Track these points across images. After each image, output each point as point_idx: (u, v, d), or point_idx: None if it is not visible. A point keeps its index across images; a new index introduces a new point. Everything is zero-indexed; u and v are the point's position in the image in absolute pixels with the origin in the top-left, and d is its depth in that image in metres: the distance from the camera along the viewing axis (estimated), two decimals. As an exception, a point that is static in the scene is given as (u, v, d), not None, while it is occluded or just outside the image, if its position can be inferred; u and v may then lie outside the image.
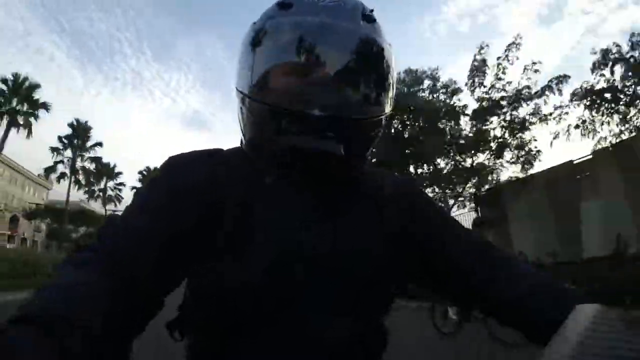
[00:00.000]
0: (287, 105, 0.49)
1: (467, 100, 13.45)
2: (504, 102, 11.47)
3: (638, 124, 9.21)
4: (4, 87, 21.57)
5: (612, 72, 9.39)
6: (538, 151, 11.42)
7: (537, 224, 10.41)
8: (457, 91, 12.71)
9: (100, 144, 24.17)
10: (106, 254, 0.45)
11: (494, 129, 11.87)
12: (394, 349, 0.65)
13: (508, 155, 11.83)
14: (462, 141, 12.36)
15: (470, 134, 12.29)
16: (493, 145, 11.87)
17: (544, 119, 11.06)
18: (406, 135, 12.96)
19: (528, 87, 11.20)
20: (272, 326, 0.51)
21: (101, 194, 29.58)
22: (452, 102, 12.72)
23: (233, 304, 0.51)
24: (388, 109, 0.56)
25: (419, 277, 0.64)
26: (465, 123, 12.61)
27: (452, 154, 12.64)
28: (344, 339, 0.53)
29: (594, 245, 8.33)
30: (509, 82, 11.38)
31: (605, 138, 9.68)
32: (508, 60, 11.27)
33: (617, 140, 9.46)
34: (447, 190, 12.74)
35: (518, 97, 11.30)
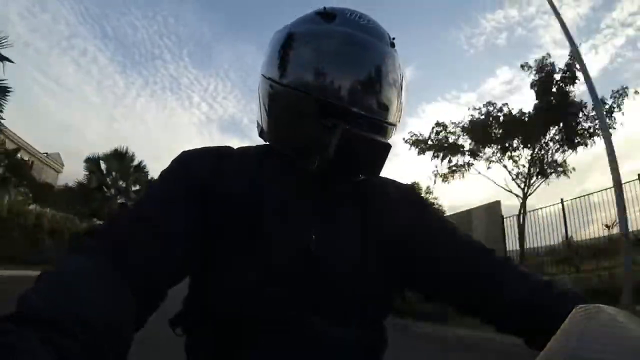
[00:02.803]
0: (337, 101, 0.54)
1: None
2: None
3: None
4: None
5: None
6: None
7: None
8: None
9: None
10: (112, 242, 0.46)
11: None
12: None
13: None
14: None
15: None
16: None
17: None
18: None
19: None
20: (272, 328, 0.52)
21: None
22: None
23: (234, 305, 0.52)
24: (399, 122, 0.61)
25: (418, 281, 0.64)
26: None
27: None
28: (344, 342, 0.54)
29: None
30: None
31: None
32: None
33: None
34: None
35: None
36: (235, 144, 0.65)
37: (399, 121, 0.60)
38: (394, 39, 0.60)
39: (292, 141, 0.58)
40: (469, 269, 0.59)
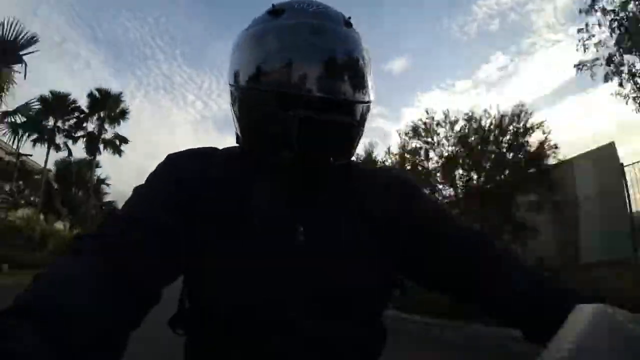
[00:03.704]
0: (295, 91, 0.54)
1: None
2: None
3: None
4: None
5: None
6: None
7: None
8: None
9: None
10: (106, 244, 0.46)
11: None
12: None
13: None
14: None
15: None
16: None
17: None
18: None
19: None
20: (267, 329, 0.51)
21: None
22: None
23: (230, 307, 0.52)
24: (371, 99, 0.60)
25: (415, 272, 0.64)
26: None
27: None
28: (342, 341, 0.53)
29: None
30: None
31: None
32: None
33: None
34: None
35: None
36: (231, 141, 0.65)
37: (370, 97, 0.59)
38: (349, 18, 0.61)
39: (261, 140, 0.59)
40: (466, 258, 0.59)
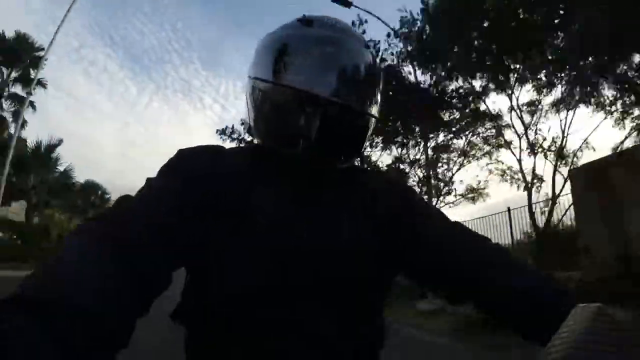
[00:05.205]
0: (317, 92, 0.58)
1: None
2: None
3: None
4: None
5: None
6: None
7: None
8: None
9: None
10: (113, 229, 0.46)
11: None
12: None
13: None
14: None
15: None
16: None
17: None
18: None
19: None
20: (267, 327, 0.52)
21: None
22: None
23: (230, 304, 0.52)
24: (377, 114, 0.65)
25: (415, 271, 0.64)
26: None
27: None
28: (343, 339, 0.54)
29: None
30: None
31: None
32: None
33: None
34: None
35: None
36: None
37: (376, 113, 0.65)
38: (368, 41, 0.67)
39: (278, 132, 0.62)
40: (464, 258, 0.59)
